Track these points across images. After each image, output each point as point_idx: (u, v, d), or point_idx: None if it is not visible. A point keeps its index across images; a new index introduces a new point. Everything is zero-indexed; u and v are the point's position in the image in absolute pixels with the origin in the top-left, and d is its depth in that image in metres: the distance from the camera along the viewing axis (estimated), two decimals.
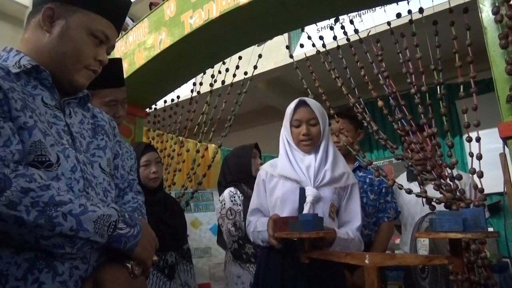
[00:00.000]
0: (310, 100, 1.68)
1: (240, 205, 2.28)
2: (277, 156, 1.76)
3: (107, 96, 1.53)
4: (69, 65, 0.93)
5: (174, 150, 3.04)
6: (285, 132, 1.70)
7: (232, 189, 2.35)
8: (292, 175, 1.60)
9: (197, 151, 2.98)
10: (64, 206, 0.77)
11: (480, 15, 1.56)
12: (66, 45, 0.92)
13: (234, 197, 2.31)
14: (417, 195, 1.92)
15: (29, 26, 0.95)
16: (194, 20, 2.31)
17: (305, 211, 1.52)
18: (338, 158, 1.68)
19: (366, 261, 1.22)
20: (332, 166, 1.62)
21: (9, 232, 0.73)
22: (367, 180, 2.16)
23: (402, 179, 2.42)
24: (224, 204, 2.29)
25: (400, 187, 2.00)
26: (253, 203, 1.72)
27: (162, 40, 2.49)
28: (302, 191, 1.56)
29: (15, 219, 0.71)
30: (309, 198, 1.53)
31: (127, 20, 3.65)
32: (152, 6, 2.72)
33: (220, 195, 2.45)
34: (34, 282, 0.76)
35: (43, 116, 0.87)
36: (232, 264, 2.24)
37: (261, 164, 2.34)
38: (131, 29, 2.78)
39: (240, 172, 2.42)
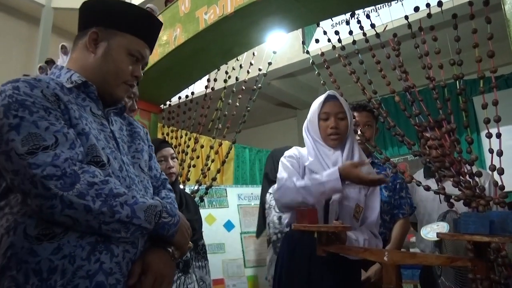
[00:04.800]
0: (338, 95, 1.66)
1: None
2: None
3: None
4: (111, 80, 1.08)
5: (188, 146, 3.04)
6: (310, 127, 1.65)
7: None
8: (320, 171, 1.55)
9: (211, 147, 2.98)
10: (121, 197, 0.92)
11: (503, 7, 1.52)
12: (109, 64, 1.07)
13: None
14: (436, 192, 1.88)
15: (76, 47, 1.11)
16: (209, 16, 2.31)
17: (331, 209, 1.49)
18: (363, 157, 1.65)
19: (385, 258, 1.20)
20: None
21: (78, 218, 0.87)
22: None
23: (418, 176, 2.37)
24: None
25: (418, 184, 1.97)
26: (286, 172, 1.59)
27: (176, 36, 2.50)
28: None
29: (84, 207, 0.87)
30: (334, 196, 1.50)
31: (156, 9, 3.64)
32: (167, 2, 2.72)
33: (263, 186, 2.83)
34: (96, 262, 0.90)
35: (93, 124, 1.03)
36: (272, 250, 2.56)
37: None
38: None
39: None
